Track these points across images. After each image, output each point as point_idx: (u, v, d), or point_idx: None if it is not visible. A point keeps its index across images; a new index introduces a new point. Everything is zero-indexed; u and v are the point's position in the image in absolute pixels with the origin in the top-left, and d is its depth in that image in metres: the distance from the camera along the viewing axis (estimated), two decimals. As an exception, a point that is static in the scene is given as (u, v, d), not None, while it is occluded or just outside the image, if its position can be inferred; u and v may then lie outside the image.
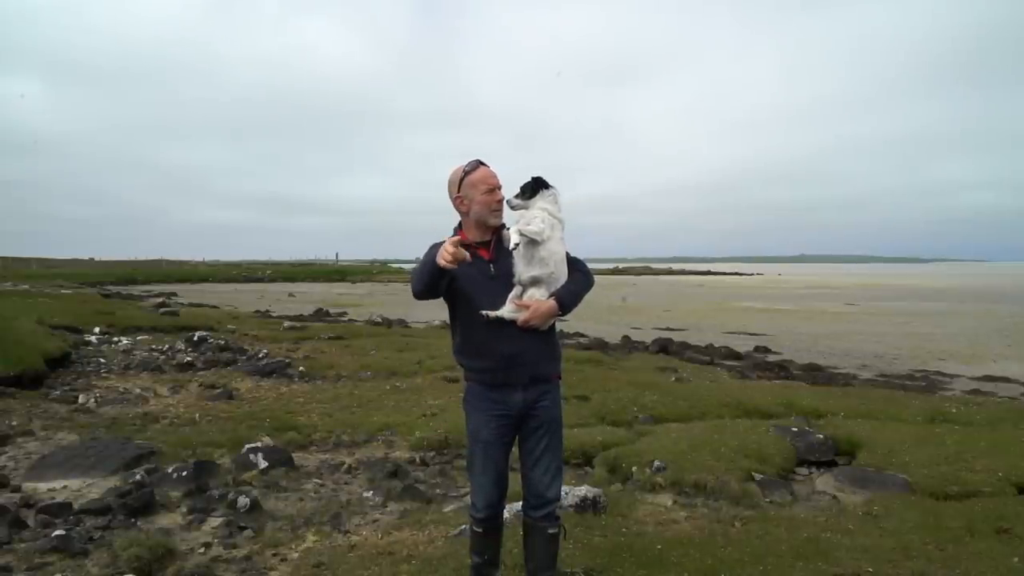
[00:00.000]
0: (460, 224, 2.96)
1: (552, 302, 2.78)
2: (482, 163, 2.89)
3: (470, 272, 2.82)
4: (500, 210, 2.86)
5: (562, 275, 2.86)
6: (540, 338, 2.85)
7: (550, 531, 2.95)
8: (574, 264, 2.94)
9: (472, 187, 2.84)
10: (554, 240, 2.83)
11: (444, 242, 2.93)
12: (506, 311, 2.78)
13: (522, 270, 2.81)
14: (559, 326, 3.09)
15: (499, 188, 2.85)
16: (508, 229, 2.86)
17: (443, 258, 2.51)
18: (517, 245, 2.75)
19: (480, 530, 3.00)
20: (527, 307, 2.76)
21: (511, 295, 2.81)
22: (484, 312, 2.79)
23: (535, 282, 2.80)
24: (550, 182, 2.92)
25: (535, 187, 2.89)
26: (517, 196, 2.91)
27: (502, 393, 2.84)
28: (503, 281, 2.83)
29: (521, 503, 3.09)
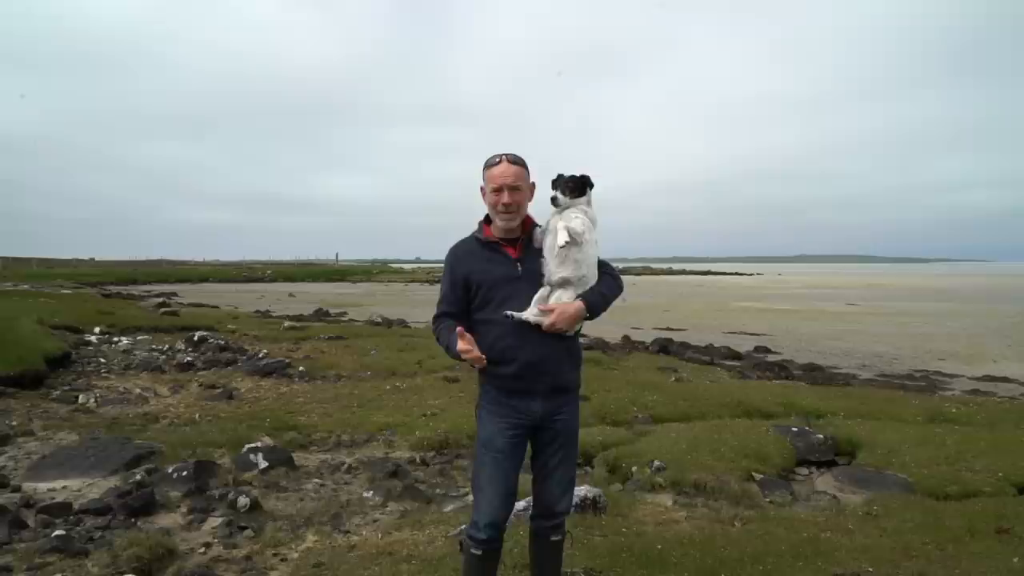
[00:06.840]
0: (487, 217, 2.80)
1: (580, 304, 2.63)
2: (508, 159, 2.67)
3: (494, 271, 2.69)
4: (507, 213, 2.67)
5: (592, 278, 2.71)
6: (564, 344, 2.69)
7: (554, 538, 2.87)
8: (603, 267, 2.78)
9: (486, 182, 2.71)
10: (590, 243, 2.68)
11: (466, 240, 2.82)
12: (531, 314, 2.61)
13: (553, 270, 2.65)
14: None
15: (507, 190, 2.64)
16: (538, 228, 2.76)
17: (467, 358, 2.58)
18: (567, 243, 2.59)
19: (479, 553, 2.69)
20: (552, 310, 2.60)
21: (536, 297, 2.65)
22: (508, 313, 2.61)
23: (564, 283, 2.65)
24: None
25: (583, 186, 2.72)
26: (564, 194, 2.71)
27: (521, 401, 2.67)
28: (529, 282, 2.67)
29: (528, 507, 3.04)
